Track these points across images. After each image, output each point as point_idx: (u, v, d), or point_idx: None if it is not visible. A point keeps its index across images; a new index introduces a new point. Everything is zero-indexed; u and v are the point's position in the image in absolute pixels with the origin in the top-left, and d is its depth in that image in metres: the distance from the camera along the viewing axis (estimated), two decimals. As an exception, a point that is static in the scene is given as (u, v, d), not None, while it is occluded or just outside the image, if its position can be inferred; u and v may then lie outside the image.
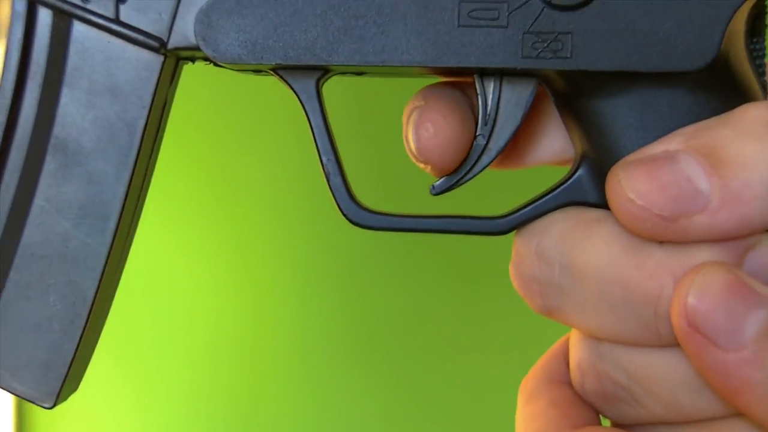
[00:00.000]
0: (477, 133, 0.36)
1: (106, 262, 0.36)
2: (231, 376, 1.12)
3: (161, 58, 0.35)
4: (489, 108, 0.36)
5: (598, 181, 0.35)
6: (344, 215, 0.37)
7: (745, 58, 0.35)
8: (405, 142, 0.37)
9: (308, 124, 0.36)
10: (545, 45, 0.34)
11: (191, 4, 0.35)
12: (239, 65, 0.35)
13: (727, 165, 0.32)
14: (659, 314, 0.33)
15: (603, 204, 0.34)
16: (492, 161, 0.37)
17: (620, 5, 0.33)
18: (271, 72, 0.36)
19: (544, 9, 0.34)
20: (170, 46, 0.35)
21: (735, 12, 0.33)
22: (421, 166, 0.37)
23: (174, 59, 0.36)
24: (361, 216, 0.37)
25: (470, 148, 0.37)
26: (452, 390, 1.09)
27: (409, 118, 0.37)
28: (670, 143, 0.33)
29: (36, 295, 0.36)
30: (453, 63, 0.34)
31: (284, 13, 0.34)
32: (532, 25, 0.34)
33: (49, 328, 0.37)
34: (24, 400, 0.38)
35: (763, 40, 0.35)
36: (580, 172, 0.36)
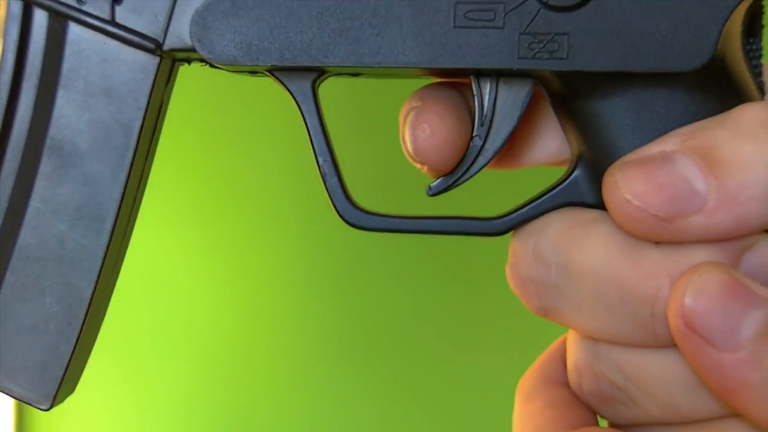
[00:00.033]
0: (474, 134, 0.36)
1: (103, 264, 0.36)
2: (229, 376, 1.12)
3: (157, 59, 0.35)
4: (485, 109, 0.36)
5: (595, 182, 0.35)
6: (340, 216, 0.37)
7: (741, 58, 0.35)
8: (402, 143, 0.37)
9: (304, 126, 0.36)
10: (541, 46, 0.34)
11: (187, 6, 0.35)
12: (235, 67, 0.35)
13: (724, 166, 0.32)
14: (656, 315, 0.33)
15: (600, 205, 0.34)
16: (489, 162, 0.37)
17: (616, 6, 0.33)
18: (267, 73, 0.36)
19: (541, 10, 0.33)
20: (166, 47, 0.35)
21: (731, 12, 0.33)
22: (418, 166, 0.37)
23: (170, 61, 0.36)
24: (357, 217, 0.37)
25: (467, 148, 0.37)
26: (451, 390, 1.09)
27: (405, 119, 0.37)
28: (667, 144, 0.33)
29: (32, 296, 0.36)
30: (449, 64, 0.34)
31: (280, 15, 0.34)
32: (528, 25, 0.34)
33: (45, 330, 0.37)
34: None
35: (760, 40, 0.35)
36: (576, 172, 0.36)
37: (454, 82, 0.38)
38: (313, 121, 0.36)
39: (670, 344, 0.33)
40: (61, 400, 0.38)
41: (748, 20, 0.35)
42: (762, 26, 0.35)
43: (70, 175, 0.36)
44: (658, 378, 0.34)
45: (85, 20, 0.35)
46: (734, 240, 0.32)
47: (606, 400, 0.36)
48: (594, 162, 0.35)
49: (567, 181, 0.36)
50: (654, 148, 0.33)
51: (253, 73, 0.36)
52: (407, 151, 0.37)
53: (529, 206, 0.36)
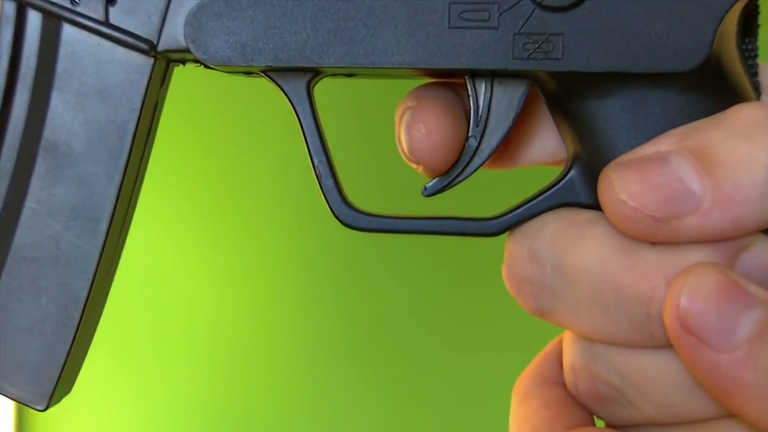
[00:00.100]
0: (469, 134, 0.36)
1: (98, 264, 0.36)
2: (229, 375, 1.12)
3: (151, 60, 0.35)
4: (480, 109, 0.36)
5: (590, 183, 0.35)
6: (336, 217, 0.37)
7: (737, 58, 0.34)
8: (397, 143, 0.37)
9: (299, 126, 0.36)
10: (536, 46, 0.34)
11: (181, 7, 0.35)
12: (229, 67, 0.35)
13: (719, 166, 0.32)
14: (652, 315, 0.33)
15: (595, 205, 0.34)
16: (484, 162, 0.37)
17: (611, 6, 0.33)
18: (262, 74, 0.36)
19: (535, 10, 0.33)
20: (160, 48, 0.35)
21: (726, 12, 0.33)
22: (414, 166, 0.37)
23: (164, 61, 0.36)
24: (353, 218, 0.37)
25: (462, 149, 0.37)
26: (450, 390, 1.09)
27: (401, 119, 0.37)
28: (662, 144, 0.33)
29: (28, 297, 0.36)
30: (443, 64, 0.34)
31: (274, 16, 0.34)
32: (522, 26, 0.33)
33: (41, 331, 0.37)
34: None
35: (755, 40, 0.35)
36: (572, 173, 0.36)
37: (450, 82, 0.38)
38: (308, 122, 0.36)
39: (666, 345, 0.33)
40: (58, 401, 0.38)
41: (743, 20, 0.35)
42: (757, 26, 0.35)
43: (65, 175, 0.36)
44: (654, 378, 0.34)
45: (79, 21, 0.35)
46: (730, 240, 0.32)
47: (602, 400, 0.36)
48: (589, 162, 0.35)
49: (562, 182, 0.36)
50: (649, 149, 0.33)
51: (247, 74, 0.36)
52: (403, 151, 0.37)
53: (525, 207, 0.36)
